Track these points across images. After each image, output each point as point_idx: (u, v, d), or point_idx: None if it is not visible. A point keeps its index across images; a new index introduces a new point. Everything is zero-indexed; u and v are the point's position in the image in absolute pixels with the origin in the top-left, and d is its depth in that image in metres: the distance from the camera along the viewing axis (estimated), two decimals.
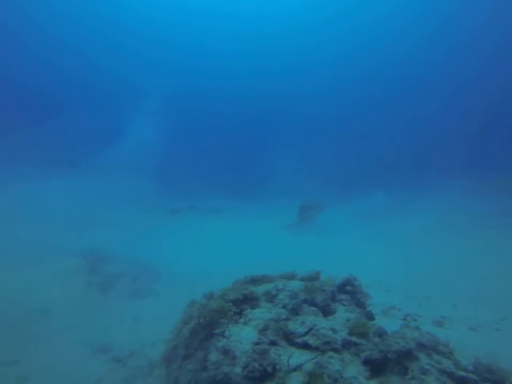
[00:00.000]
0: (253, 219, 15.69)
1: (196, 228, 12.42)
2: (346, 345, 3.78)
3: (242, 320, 4.09)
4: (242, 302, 4.37)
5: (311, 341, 3.86)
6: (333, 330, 3.91)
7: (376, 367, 3.53)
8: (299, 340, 3.90)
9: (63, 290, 6.44)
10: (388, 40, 44.84)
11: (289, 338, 3.98)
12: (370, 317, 4.82)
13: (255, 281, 4.97)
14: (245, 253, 9.83)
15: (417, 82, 45.11)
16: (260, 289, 4.71)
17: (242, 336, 3.84)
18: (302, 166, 26.92)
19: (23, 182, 13.45)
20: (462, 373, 3.38)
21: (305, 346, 3.85)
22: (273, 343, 3.84)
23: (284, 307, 4.58)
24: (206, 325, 3.86)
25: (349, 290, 5.18)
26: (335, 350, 3.63)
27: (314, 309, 4.51)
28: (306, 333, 3.99)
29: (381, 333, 3.97)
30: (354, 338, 3.83)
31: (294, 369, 3.49)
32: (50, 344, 4.79)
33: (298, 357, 3.67)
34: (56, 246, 8.13)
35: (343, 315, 4.50)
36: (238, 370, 3.54)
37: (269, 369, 3.45)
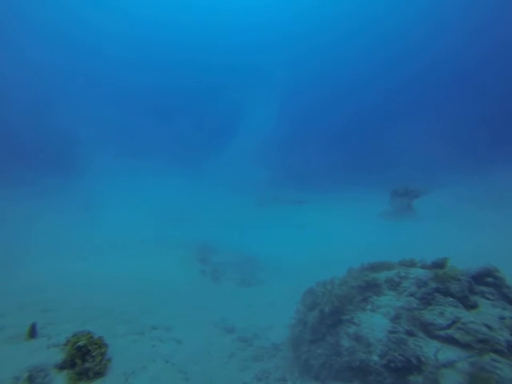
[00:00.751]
0: (347, 206, 15.18)
1: (290, 218, 12.64)
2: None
3: (369, 307, 3.92)
4: (365, 289, 4.19)
5: (458, 335, 3.42)
6: (488, 327, 3.37)
7: None
8: (441, 333, 3.51)
9: (184, 277, 7.42)
10: None
11: (428, 329, 3.62)
12: None
13: (373, 268, 4.71)
14: (342, 241, 9.57)
15: None
16: (381, 276, 4.44)
17: (374, 323, 3.67)
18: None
19: (155, 175, 15.98)
20: None
21: (450, 341, 3.43)
22: (409, 333, 3.55)
23: (411, 295, 4.21)
24: (333, 311, 3.82)
25: (490, 282, 4.42)
26: (498, 351, 3.11)
27: (451, 299, 3.99)
28: (449, 326, 3.55)
29: None
30: None
31: (444, 366, 3.14)
32: (188, 319, 5.53)
33: (445, 352, 3.30)
34: (173, 237, 9.57)
35: (492, 311, 3.85)
36: (375, 358, 3.39)
37: (414, 360, 3.20)
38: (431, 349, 3.34)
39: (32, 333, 4.57)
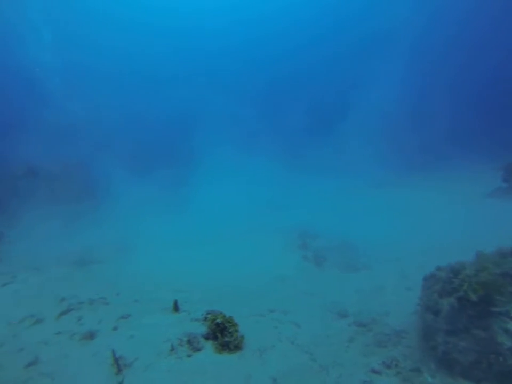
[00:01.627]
0: (450, 187, 13.28)
1: (391, 201, 11.75)
2: None
3: None
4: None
5: None
6: None
7: None
8: None
9: (288, 263, 7.73)
10: None
11: None
12: None
13: None
14: (445, 225, 8.45)
15: None
16: None
17: None
18: None
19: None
20: None
21: None
22: None
23: None
24: (478, 301, 3.38)
25: None
26: None
27: None
28: None
29: None
30: None
31: None
32: (300, 304, 5.77)
33: None
34: (268, 223, 10.11)
35: None
36: None
37: None
38: None
39: (176, 307, 5.52)
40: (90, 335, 4.86)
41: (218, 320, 4.47)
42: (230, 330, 4.39)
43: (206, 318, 4.92)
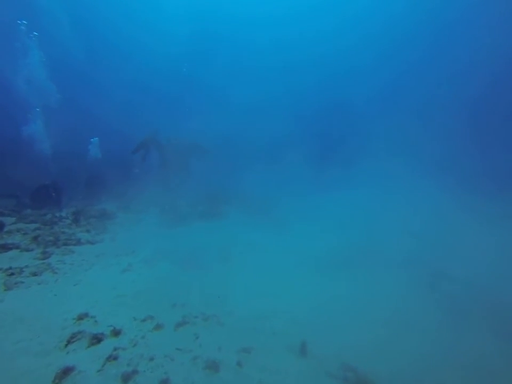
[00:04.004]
0: None
1: None
2: None
3: None
4: None
5: None
6: None
7: None
8: None
9: (414, 306, 6.41)
10: None
11: None
12: None
13: None
14: None
15: None
16: None
17: None
18: None
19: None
20: None
21: None
22: None
23: None
24: None
25: None
26: None
27: None
28: None
29: None
30: None
31: None
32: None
33: None
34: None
35: None
36: None
37: None
38: None
39: (303, 350, 4.83)
40: (215, 366, 4.46)
41: None
42: None
43: (347, 379, 4.09)
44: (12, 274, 7.07)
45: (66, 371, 4.09)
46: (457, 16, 32.07)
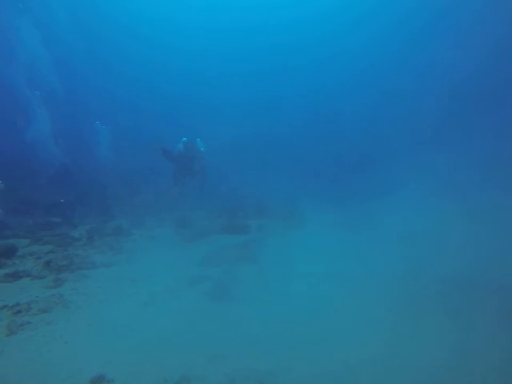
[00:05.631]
0: None
1: None
2: None
3: None
4: None
5: None
6: None
7: None
8: None
9: None
10: None
11: None
12: None
13: None
14: None
15: None
16: None
17: None
18: None
19: None
20: None
21: None
22: None
23: None
24: None
25: None
26: None
27: None
28: None
29: None
30: None
31: None
32: None
33: None
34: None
35: None
36: None
37: None
38: None
39: None
40: None
41: None
42: None
43: None
44: (19, 312, 6.12)
45: None
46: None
